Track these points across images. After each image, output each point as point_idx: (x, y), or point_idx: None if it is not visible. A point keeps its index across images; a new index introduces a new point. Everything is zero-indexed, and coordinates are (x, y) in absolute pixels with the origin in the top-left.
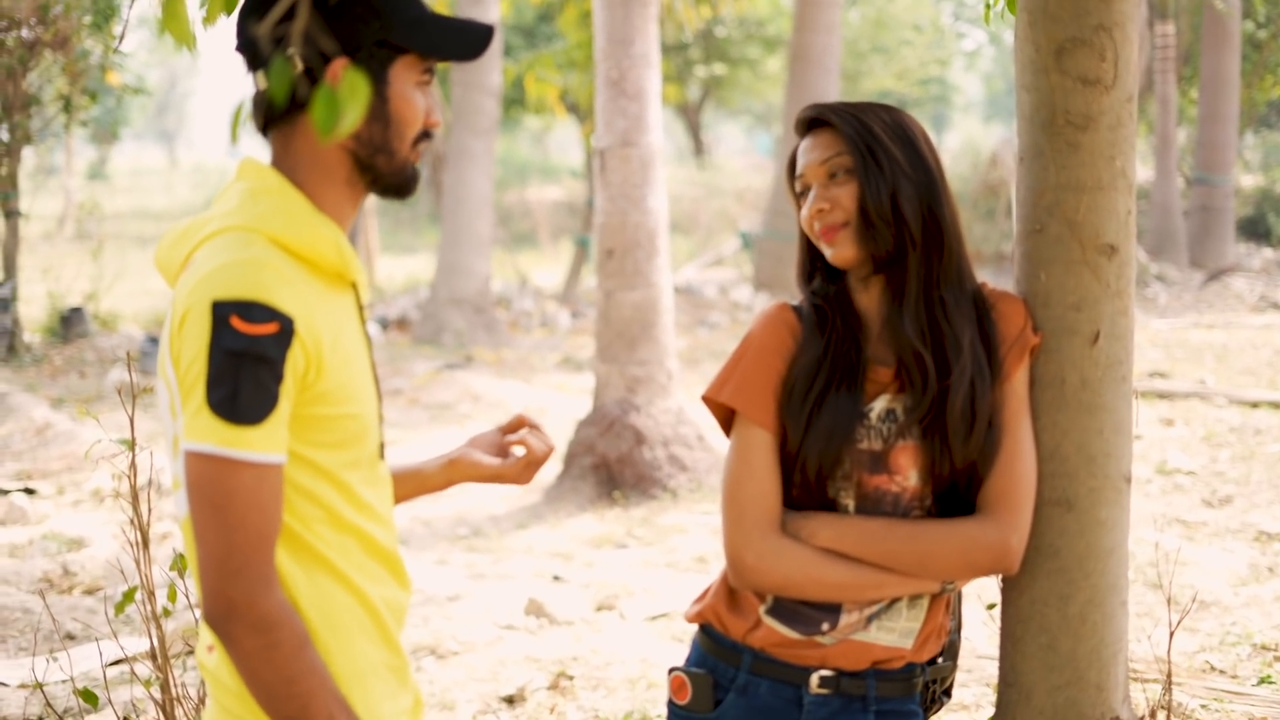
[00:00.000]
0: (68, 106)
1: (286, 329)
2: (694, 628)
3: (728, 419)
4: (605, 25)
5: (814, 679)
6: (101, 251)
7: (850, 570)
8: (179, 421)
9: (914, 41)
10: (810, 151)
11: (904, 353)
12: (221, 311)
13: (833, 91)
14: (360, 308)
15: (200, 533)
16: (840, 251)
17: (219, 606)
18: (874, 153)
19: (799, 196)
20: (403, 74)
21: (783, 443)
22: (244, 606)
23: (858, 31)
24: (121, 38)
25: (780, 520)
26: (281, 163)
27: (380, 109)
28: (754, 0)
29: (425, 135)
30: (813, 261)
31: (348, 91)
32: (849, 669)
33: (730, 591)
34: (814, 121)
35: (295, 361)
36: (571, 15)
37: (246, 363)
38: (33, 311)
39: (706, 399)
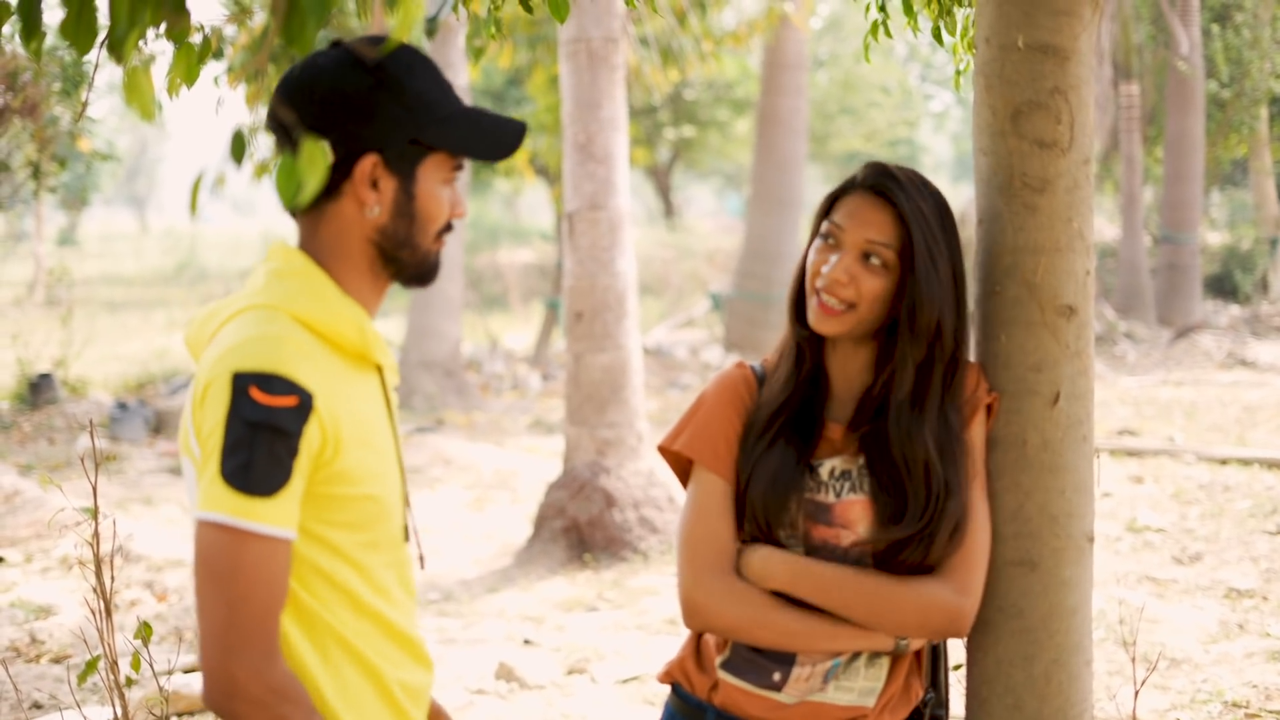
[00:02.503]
0: (37, 173)
1: (305, 403)
2: (666, 690)
3: (685, 471)
4: (572, 89)
5: None
6: (71, 317)
7: (802, 618)
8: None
9: (882, 103)
10: (860, 220)
11: (913, 465)
12: (241, 382)
13: (801, 153)
14: (386, 390)
15: (203, 604)
16: (829, 327)
17: (221, 684)
18: (936, 266)
19: (821, 236)
20: (431, 171)
21: (741, 493)
22: (247, 681)
23: (826, 93)
24: (84, 106)
25: (734, 564)
26: (308, 246)
27: (406, 205)
28: (722, 63)
29: (448, 227)
30: (804, 301)
31: (307, 162)
32: None
33: (696, 649)
34: (877, 188)
35: (312, 437)
36: (540, 79)
37: (263, 434)
38: (1, 378)
39: (662, 449)
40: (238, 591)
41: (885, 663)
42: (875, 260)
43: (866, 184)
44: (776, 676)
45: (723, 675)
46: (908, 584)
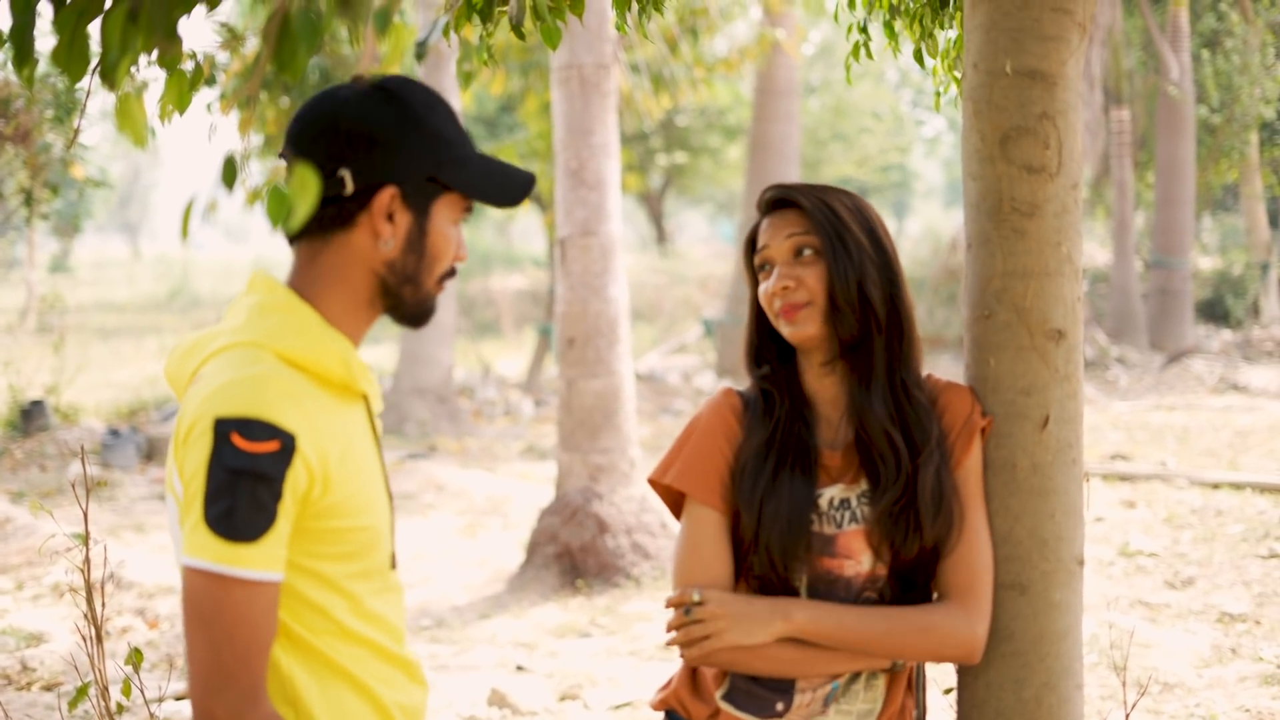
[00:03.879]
0: (29, 199)
1: (288, 447)
2: (660, 716)
3: (676, 502)
4: (564, 116)
5: None
6: (63, 344)
7: (799, 646)
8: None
9: (873, 129)
10: (775, 230)
11: (874, 434)
12: (223, 429)
13: (793, 179)
14: (372, 418)
15: (190, 646)
16: (801, 330)
17: None
18: (842, 237)
19: (757, 272)
20: (444, 210)
21: (735, 523)
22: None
23: (818, 119)
24: (76, 133)
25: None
26: (304, 273)
27: (418, 241)
28: (714, 90)
29: (451, 272)
30: (762, 343)
31: (298, 188)
32: None
33: (693, 677)
34: (779, 201)
35: (296, 479)
36: (532, 106)
37: (245, 480)
38: None
39: (652, 481)
40: (221, 633)
41: (881, 684)
42: (807, 252)
43: (768, 205)
44: (779, 706)
45: (725, 706)
46: (922, 617)
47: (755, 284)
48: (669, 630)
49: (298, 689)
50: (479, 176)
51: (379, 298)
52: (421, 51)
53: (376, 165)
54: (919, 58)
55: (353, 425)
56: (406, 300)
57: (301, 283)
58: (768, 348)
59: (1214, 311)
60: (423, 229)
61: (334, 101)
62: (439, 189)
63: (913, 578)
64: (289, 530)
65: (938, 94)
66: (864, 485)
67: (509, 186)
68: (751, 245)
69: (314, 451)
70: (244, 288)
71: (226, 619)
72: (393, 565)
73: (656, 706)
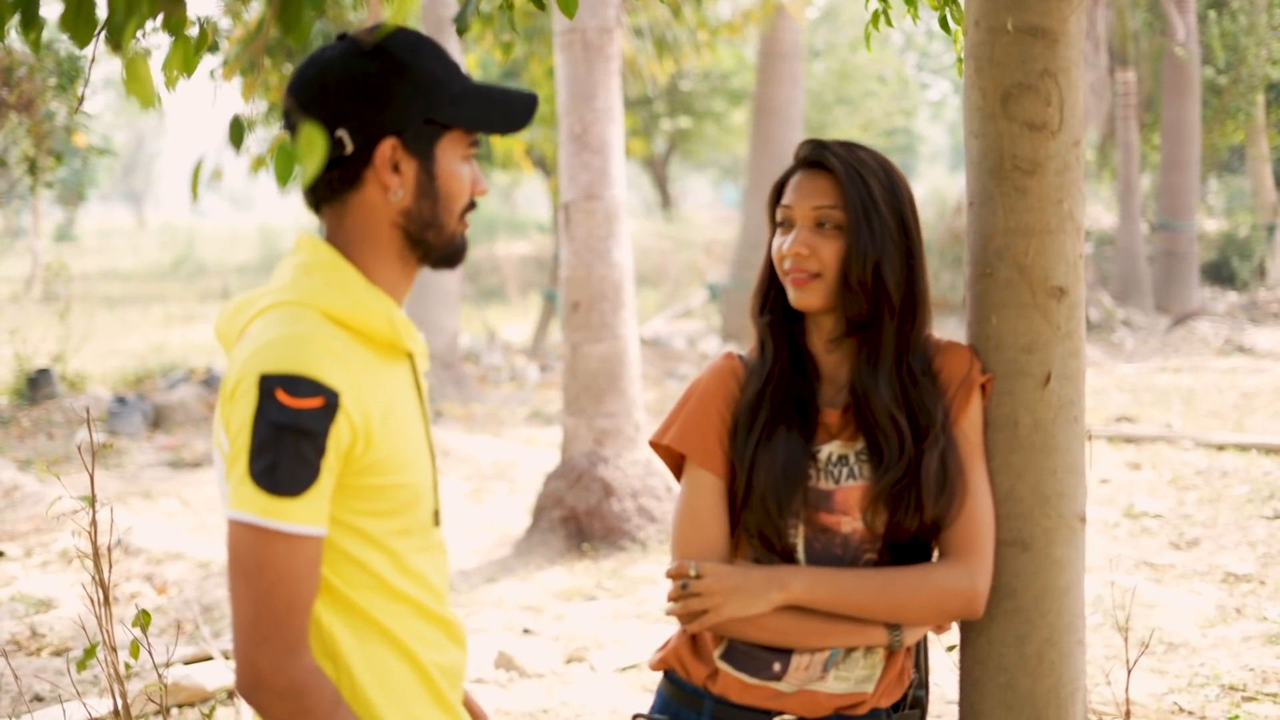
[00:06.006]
0: (33, 168)
1: (331, 403)
2: (658, 676)
3: (677, 464)
4: (567, 80)
5: None
6: (69, 313)
7: (798, 618)
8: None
9: (878, 92)
10: (804, 192)
11: (879, 416)
12: (268, 385)
13: (797, 143)
14: (417, 376)
15: (233, 599)
16: (804, 299)
17: (247, 675)
18: (868, 215)
19: (777, 225)
20: (449, 149)
21: (732, 483)
22: (270, 675)
23: (822, 83)
24: (81, 100)
25: (726, 561)
26: (335, 238)
27: (428, 185)
28: (717, 54)
29: (472, 205)
30: (771, 291)
31: (305, 147)
32: (811, 716)
33: (691, 637)
34: (813, 161)
35: (339, 435)
36: (536, 71)
37: (289, 435)
38: (0, 373)
39: (653, 443)
40: (263, 587)
41: (880, 652)
42: (827, 225)
43: (804, 161)
44: (776, 667)
45: (723, 666)
46: (921, 575)
47: (772, 233)
48: (669, 601)
49: (338, 645)
50: (477, 108)
51: (408, 249)
52: (463, 26)
53: (370, 119)
54: (944, 24)
55: (396, 383)
56: (433, 244)
57: (336, 246)
58: (776, 298)
59: (1220, 273)
60: (431, 172)
61: (320, 64)
62: (439, 129)
63: (912, 541)
64: (332, 486)
65: (960, 59)
66: (862, 444)
67: (510, 112)
68: (778, 194)
69: (357, 408)
70: (290, 248)
71: (270, 573)
72: (436, 522)
73: (655, 666)
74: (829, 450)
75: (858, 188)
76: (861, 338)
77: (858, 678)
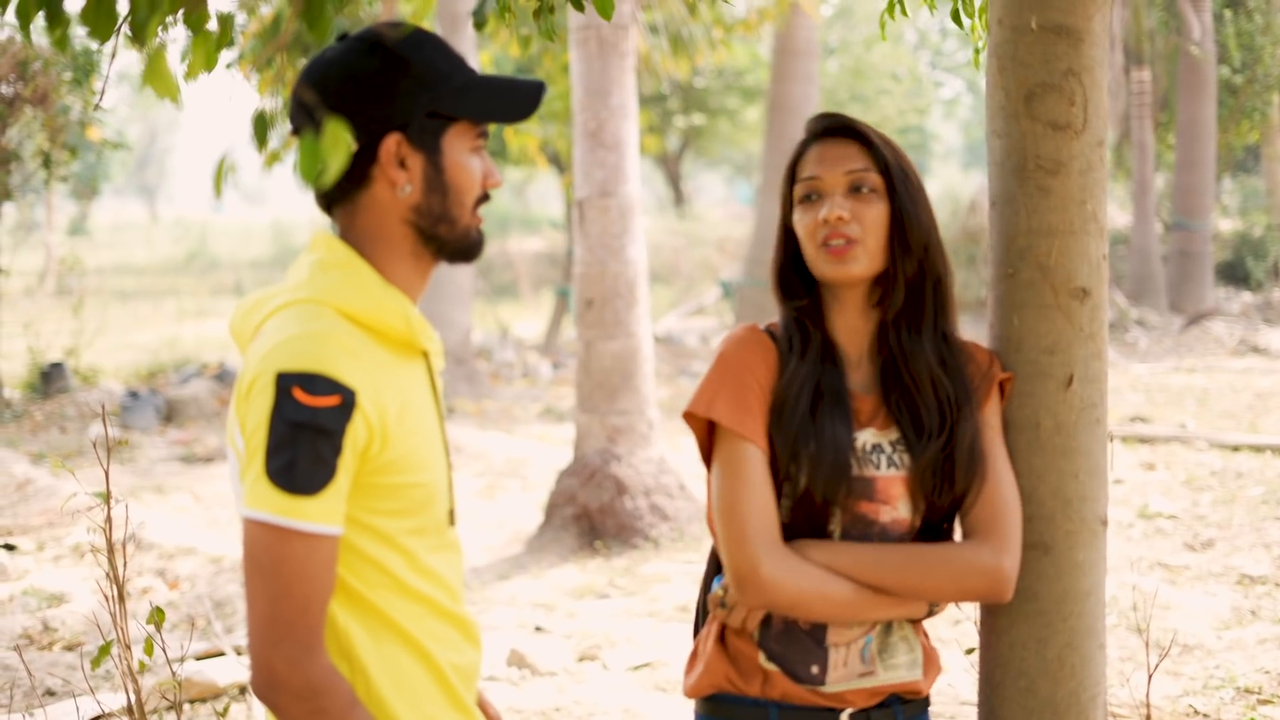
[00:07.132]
0: (48, 162)
1: (348, 402)
2: (676, 676)
3: (706, 438)
4: (582, 77)
5: (844, 717)
6: (82, 307)
7: (850, 588)
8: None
9: (892, 91)
10: (832, 159)
11: (921, 381)
12: (285, 383)
13: None
14: (432, 375)
15: (249, 598)
16: (848, 269)
17: (263, 674)
18: (907, 175)
19: (799, 201)
20: (456, 142)
21: (771, 461)
22: (286, 674)
23: (836, 81)
24: (102, 94)
25: (781, 535)
26: (348, 237)
27: (437, 179)
28: (732, 51)
29: (485, 198)
30: (790, 275)
31: (330, 143)
32: (871, 704)
33: (728, 655)
34: (833, 130)
35: (356, 434)
36: (550, 66)
37: (306, 434)
38: (13, 367)
39: (691, 415)
40: (280, 586)
41: (910, 633)
42: (865, 189)
43: (824, 131)
44: (815, 670)
45: (769, 667)
46: (945, 552)
47: (788, 211)
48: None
49: (353, 644)
50: (481, 99)
51: (421, 245)
52: (480, 20)
53: (373, 116)
54: (956, 18)
55: (412, 382)
56: (446, 239)
57: (350, 244)
58: (794, 282)
59: (1234, 273)
60: (438, 166)
61: (322, 64)
62: (444, 122)
63: (938, 530)
64: (348, 485)
65: (976, 51)
66: (895, 433)
67: (516, 101)
68: (792, 172)
69: (373, 407)
70: (306, 245)
71: (286, 571)
72: (451, 521)
73: (701, 693)
74: (864, 439)
75: (890, 150)
76: (900, 305)
77: (905, 663)
